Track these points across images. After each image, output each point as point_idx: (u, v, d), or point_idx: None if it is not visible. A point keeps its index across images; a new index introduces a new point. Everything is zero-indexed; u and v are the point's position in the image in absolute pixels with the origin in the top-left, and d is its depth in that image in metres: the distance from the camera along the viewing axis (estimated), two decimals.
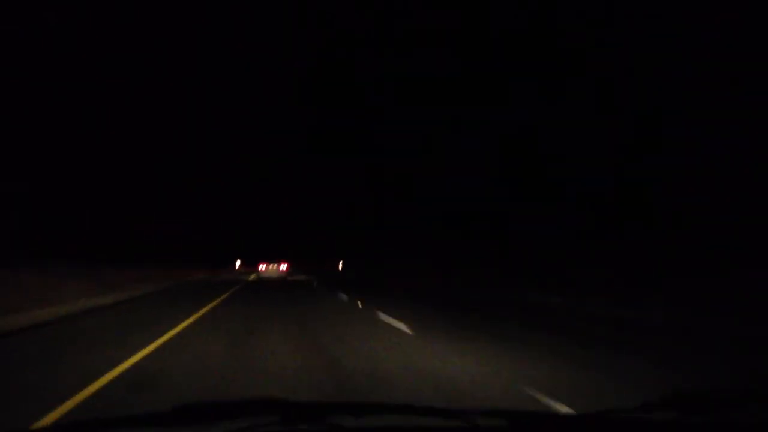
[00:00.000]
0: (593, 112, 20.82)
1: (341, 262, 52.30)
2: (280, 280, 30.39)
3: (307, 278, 34.28)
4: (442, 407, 1.65)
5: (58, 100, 26.17)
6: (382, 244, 43.80)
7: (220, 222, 60.55)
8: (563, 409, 4.47)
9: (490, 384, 5.27)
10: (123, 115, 32.68)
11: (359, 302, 15.27)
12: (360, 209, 51.26)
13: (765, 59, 15.48)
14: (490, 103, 26.92)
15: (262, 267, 32.44)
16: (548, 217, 23.37)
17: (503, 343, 7.89)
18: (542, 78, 23.55)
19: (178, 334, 8.37)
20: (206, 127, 59.87)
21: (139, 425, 1.48)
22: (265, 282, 28.79)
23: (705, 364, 7.01)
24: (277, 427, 1.47)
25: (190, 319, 10.42)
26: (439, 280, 27.31)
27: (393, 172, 40.56)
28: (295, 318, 11.13)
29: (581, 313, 13.03)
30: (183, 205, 46.53)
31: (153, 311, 12.37)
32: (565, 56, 22.41)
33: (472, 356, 6.72)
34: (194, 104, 57.29)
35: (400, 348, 7.36)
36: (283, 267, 32.70)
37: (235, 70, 60.20)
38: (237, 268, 54.47)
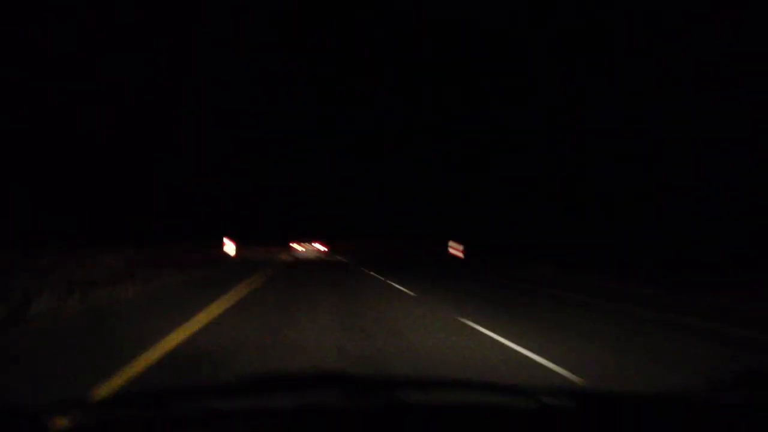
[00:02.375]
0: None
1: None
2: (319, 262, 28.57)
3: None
4: (508, 384, 1.63)
5: (61, 99, 26.24)
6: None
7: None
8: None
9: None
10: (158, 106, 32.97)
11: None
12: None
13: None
14: None
15: (297, 247, 31.88)
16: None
17: None
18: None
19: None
20: (246, 115, 60.29)
21: (203, 395, 1.49)
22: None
23: None
24: (338, 400, 1.48)
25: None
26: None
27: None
28: None
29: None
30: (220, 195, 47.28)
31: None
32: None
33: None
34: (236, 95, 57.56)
35: None
36: (322, 248, 32.24)
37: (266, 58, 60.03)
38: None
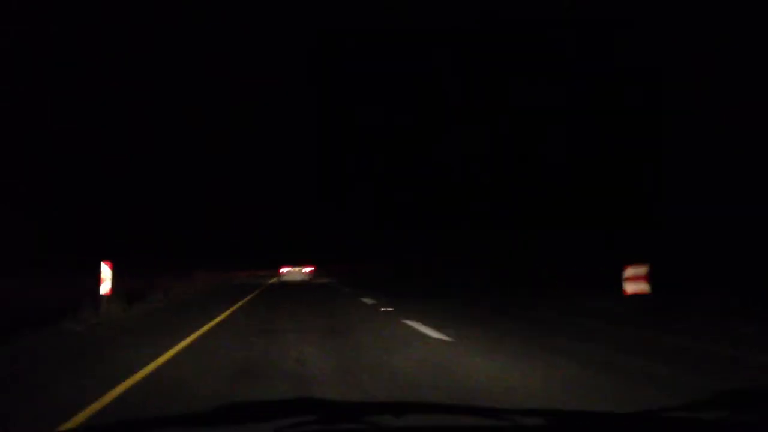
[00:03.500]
0: None
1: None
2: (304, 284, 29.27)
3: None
4: (484, 407, 1.64)
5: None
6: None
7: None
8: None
9: None
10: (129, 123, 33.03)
11: None
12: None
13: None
14: None
15: (284, 270, 32.23)
16: None
17: None
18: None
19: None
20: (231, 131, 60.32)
21: (181, 425, 1.49)
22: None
23: None
24: (316, 426, 1.47)
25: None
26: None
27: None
28: None
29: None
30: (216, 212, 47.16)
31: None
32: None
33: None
34: (206, 108, 57.71)
35: None
36: (307, 270, 32.43)
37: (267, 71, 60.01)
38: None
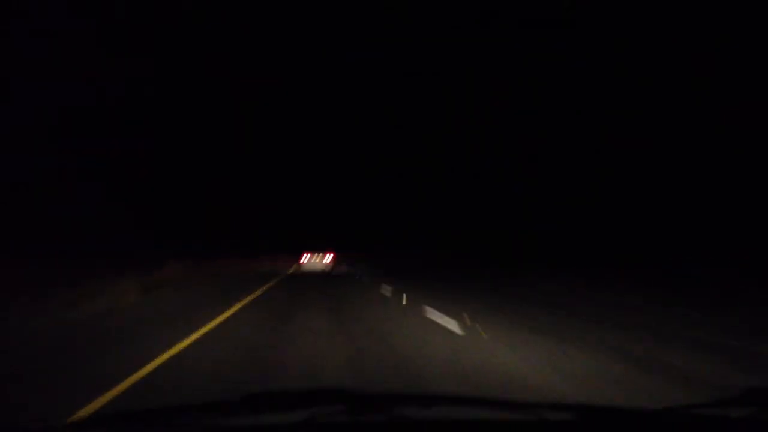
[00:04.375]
0: None
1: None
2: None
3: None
4: (510, 400, 1.63)
5: None
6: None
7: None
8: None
9: None
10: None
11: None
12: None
13: None
14: None
15: (304, 258, 28.88)
16: None
17: None
18: None
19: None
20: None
21: (208, 412, 1.50)
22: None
23: None
24: (343, 417, 1.48)
25: None
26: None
27: None
28: None
29: None
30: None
31: None
32: None
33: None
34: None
35: None
36: (328, 258, 29.45)
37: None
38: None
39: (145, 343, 6.50)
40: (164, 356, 5.79)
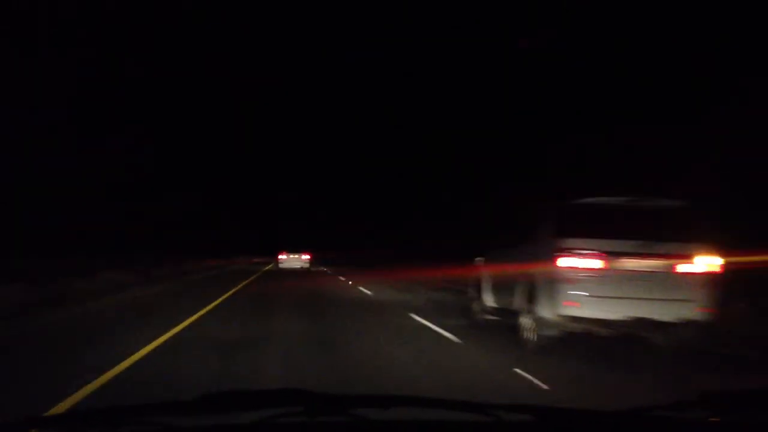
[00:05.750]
0: None
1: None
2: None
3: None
4: (471, 401, 1.65)
5: None
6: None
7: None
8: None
9: None
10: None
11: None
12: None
13: None
14: None
15: (282, 257, 33.61)
16: None
17: None
18: None
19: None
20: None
21: (164, 413, 1.49)
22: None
23: None
24: (301, 417, 1.50)
25: None
26: None
27: None
28: None
29: None
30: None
31: None
32: None
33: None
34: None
35: None
36: (305, 257, 33.64)
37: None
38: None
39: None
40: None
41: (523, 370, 5.84)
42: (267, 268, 36.64)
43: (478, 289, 9.56)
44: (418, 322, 9.67)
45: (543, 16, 23.29)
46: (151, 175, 32.85)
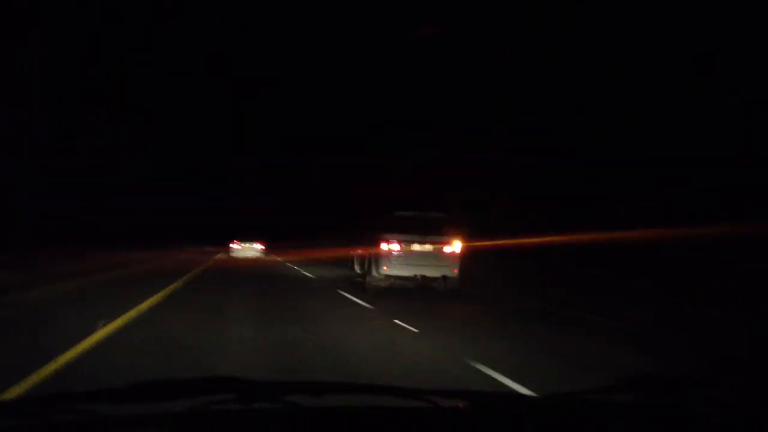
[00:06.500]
0: None
1: None
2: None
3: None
4: (406, 388, 1.66)
5: None
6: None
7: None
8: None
9: None
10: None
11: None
12: None
13: None
14: None
15: (234, 246, 33.68)
16: None
17: None
18: None
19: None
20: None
21: (93, 402, 1.44)
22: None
23: None
24: (233, 405, 1.48)
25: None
26: None
27: None
28: None
29: None
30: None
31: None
32: None
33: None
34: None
35: None
36: (259, 246, 33.95)
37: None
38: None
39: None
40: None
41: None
42: (218, 256, 35.42)
43: (352, 263, 16.24)
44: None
45: (543, 16, 22.14)
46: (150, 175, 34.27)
